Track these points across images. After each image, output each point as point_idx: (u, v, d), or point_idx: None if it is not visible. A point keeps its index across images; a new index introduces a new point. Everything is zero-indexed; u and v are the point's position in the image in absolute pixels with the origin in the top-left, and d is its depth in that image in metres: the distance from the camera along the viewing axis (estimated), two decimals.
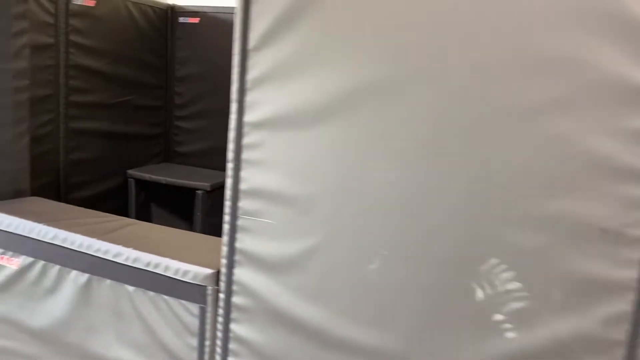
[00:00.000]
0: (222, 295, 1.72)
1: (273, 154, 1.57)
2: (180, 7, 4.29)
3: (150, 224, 2.33)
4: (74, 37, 3.42)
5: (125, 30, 3.86)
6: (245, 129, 1.59)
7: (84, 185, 3.71)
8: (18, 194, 2.32)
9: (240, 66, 1.57)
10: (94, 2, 3.55)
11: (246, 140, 1.60)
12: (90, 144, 3.71)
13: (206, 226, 3.93)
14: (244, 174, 1.63)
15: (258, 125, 1.57)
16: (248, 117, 1.59)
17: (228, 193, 1.69)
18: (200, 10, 4.24)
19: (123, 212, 4.00)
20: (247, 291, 1.67)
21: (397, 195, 1.43)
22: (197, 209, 3.90)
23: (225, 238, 1.71)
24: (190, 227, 4.45)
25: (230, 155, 1.65)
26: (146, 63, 4.13)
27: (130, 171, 4.03)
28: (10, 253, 2.04)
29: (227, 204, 1.68)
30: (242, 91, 1.58)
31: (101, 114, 3.76)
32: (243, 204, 1.66)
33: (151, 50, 4.19)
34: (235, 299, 1.70)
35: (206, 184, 3.88)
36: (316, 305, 1.56)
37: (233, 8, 1.60)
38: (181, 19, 4.29)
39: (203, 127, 4.39)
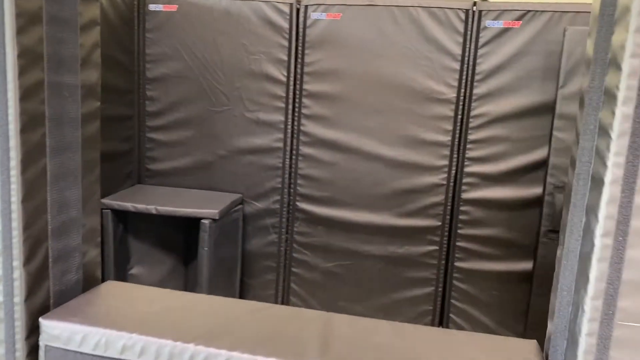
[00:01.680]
0: None
1: None
2: None
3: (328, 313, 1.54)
4: None
5: None
6: None
7: None
8: (91, 278, 1.52)
9: None
10: None
11: None
12: None
13: (213, 263, 3.18)
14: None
15: None
16: None
17: (597, 286, 1.01)
18: None
19: None
20: None
21: None
22: (204, 242, 3.13)
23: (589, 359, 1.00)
24: (188, 264, 3.66)
25: (607, 222, 0.94)
26: (112, 62, 3.25)
27: (104, 200, 3.14)
28: None
29: (594, 304, 0.99)
30: None
31: None
32: (625, 303, 0.99)
33: (118, 45, 3.31)
34: None
35: (213, 210, 3.12)
36: None
37: None
38: (152, 7, 3.45)
39: (184, 140, 3.58)
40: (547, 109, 3.03)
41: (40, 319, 1.35)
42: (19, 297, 1.32)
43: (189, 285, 3.63)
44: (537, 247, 3.01)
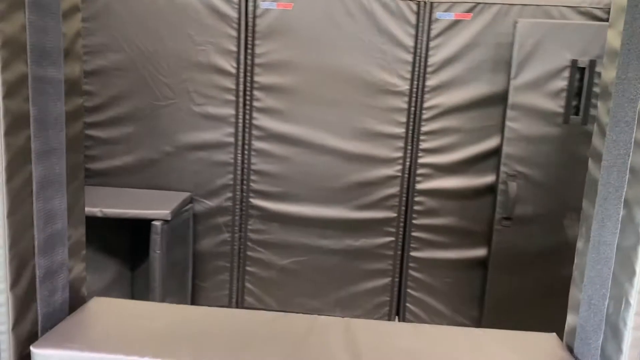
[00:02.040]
0: None
1: None
2: None
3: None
4: None
5: None
6: None
7: None
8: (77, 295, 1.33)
9: None
10: None
11: None
12: None
13: (165, 266, 3.01)
14: None
15: None
16: None
17: None
18: None
19: None
20: None
21: None
22: (155, 245, 2.95)
23: None
24: (135, 269, 3.44)
25: None
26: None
27: None
28: None
29: None
30: None
31: None
32: None
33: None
34: None
35: (164, 211, 2.95)
36: None
37: None
38: None
39: (126, 136, 3.36)
40: (497, 100, 3.12)
41: (32, 348, 1.18)
42: (5, 325, 1.15)
43: (138, 291, 3.43)
44: (491, 234, 3.10)
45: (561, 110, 2.90)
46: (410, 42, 3.17)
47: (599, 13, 2.99)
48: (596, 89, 2.85)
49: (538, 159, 2.95)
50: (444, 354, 1.21)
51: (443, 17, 3.11)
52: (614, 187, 1.05)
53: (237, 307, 3.57)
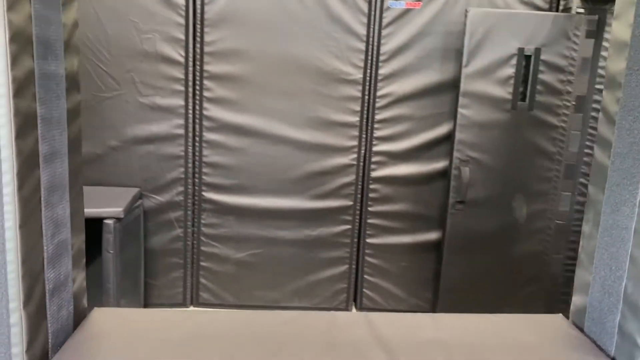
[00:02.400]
0: None
1: None
2: None
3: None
4: None
5: None
6: None
7: None
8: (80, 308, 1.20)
9: None
10: None
11: None
12: None
13: (119, 266, 2.87)
14: None
15: None
16: None
17: None
18: None
19: None
20: None
21: None
22: (108, 244, 2.80)
23: None
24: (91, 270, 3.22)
25: None
26: None
27: None
28: None
29: None
30: None
31: None
32: None
33: None
34: None
35: (117, 209, 2.80)
36: None
37: None
38: None
39: None
40: (447, 87, 3.21)
41: None
42: (19, 347, 1.03)
43: (89, 293, 3.23)
44: (445, 218, 3.20)
45: (509, 96, 3.03)
46: (362, 30, 3.18)
47: (540, 3, 3.14)
48: (541, 76, 3.00)
49: (488, 144, 3.08)
50: (472, 342, 1.23)
51: (395, 5, 3.15)
52: (630, 174, 1.12)
53: (192, 304, 3.47)
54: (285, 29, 3.16)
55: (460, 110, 3.04)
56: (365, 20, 3.17)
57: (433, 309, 3.45)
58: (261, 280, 3.47)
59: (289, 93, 3.24)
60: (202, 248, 3.41)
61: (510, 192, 3.14)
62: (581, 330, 1.32)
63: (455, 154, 3.09)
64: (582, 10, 2.98)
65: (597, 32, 3.01)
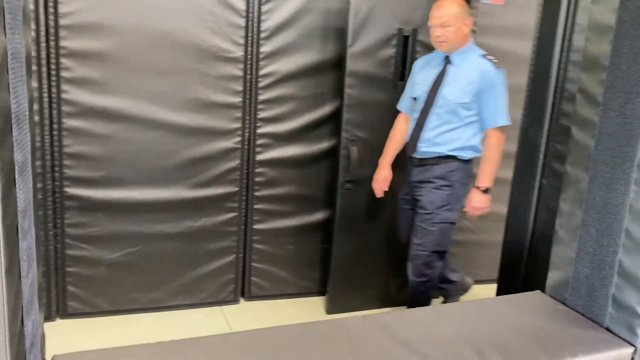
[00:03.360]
0: None
1: None
2: None
3: None
4: None
5: None
6: None
7: None
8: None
9: None
10: None
11: None
12: None
13: None
14: None
15: None
16: None
17: None
18: None
19: None
20: None
21: None
22: None
23: None
24: None
25: None
26: None
27: None
28: None
29: None
30: None
31: None
32: None
33: None
34: None
35: None
36: None
37: None
38: None
39: None
40: (329, 67, 3.18)
41: None
42: None
43: None
44: (334, 198, 3.21)
45: (391, 76, 3.10)
46: (242, 5, 2.99)
47: None
48: (419, 56, 3.12)
49: (373, 124, 3.13)
50: (484, 330, 1.22)
51: None
52: (623, 153, 1.18)
53: (59, 315, 3.02)
54: (157, 2, 2.83)
55: (346, 90, 3.04)
56: None
57: (323, 288, 3.46)
58: (139, 281, 3.15)
59: (162, 72, 2.93)
60: (68, 252, 2.97)
61: (393, 168, 3.24)
62: (563, 303, 1.40)
63: (343, 134, 3.09)
64: None
65: None
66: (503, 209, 2.86)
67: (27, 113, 0.88)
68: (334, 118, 3.24)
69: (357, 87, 3.05)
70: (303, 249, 3.42)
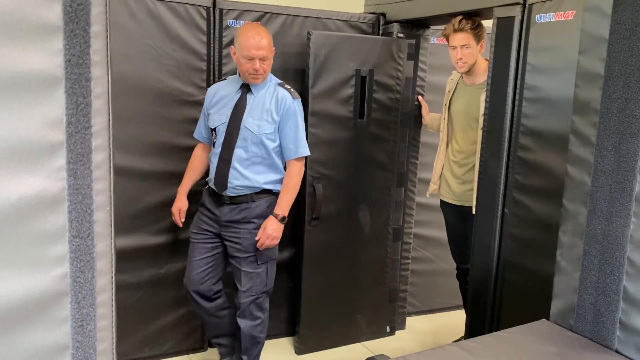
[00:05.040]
0: None
1: None
2: None
3: None
4: None
5: None
6: None
7: None
8: None
9: None
10: None
11: None
12: None
13: None
14: None
15: None
16: None
17: None
18: None
19: None
20: None
21: None
22: None
23: None
24: None
25: None
26: None
27: None
28: None
29: None
30: None
31: None
32: None
33: None
34: None
35: None
36: None
37: None
38: None
39: None
40: None
41: None
42: None
43: None
44: (300, 236, 3.23)
45: (351, 115, 3.20)
46: (203, 49, 3.00)
47: (365, 27, 3.39)
48: (375, 95, 3.24)
49: (336, 161, 3.20)
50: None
51: (234, 24, 3.05)
52: (620, 188, 1.30)
53: None
54: (116, 48, 2.77)
55: (310, 129, 3.10)
56: (204, 38, 3.00)
57: (293, 328, 3.44)
58: None
59: (122, 117, 2.86)
60: None
61: (356, 203, 3.32)
62: (570, 330, 1.49)
63: (309, 172, 3.13)
64: (401, 35, 3.32)
65: (415, 54, 3.39)
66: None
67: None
68: None
69: (319, 126, 3.12)
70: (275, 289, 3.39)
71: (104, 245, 1.08)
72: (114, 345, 0.96)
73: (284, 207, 2.70)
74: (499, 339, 1.49)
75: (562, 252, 1.55)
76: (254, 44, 2.54)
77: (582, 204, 1.44)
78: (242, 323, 2.78)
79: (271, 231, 2.67)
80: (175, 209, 2.88)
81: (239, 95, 2.71)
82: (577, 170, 1.48)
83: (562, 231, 1.55)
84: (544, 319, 1.63)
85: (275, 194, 2.75)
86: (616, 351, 1.40)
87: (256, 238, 2.69)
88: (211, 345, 3.30)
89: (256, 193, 2.70)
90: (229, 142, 2.66)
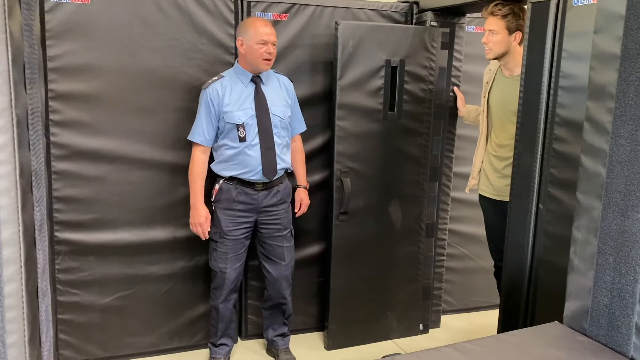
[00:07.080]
0: None
1: None
2: None
3: None
4: None
5: None
6: None
7: None
8: None
9: None
10: None
11: None
12: None
13: None
14: None
15: None
16: None
17: None
18: None
19: None
20: None
21: None
22: None
23: None
24: None
25: None
26: None
27: None
28: None
29: None
30: None
31: None
32: None
33: None
34: None
35: None
36: None
37: None
38: None
39: None
40: (319, 100, 3.19)
41: None
42: None
43: None
44: (329, 230, 3.18)
45: (380, 107, 3.12)
46: (230, 42, 3.00)
47: (397, 17, 3.30)
48: (406, 86, 3.14)
49: (365, 154, 3.13)
50: None
51: (262, 16, 3.02)
52: (638, 180, 1.18)
53: None
54: (145, 41, 2.83)
55: (337, 122, 3.04)
56: (232, 31, 2.99)
57: (321, 323, 3.40)
58: (133, 325, 3.06)
59: (152, 111, 2.91)
60: (59, 298, 2.89)
61: (387, 198, 3.24)
62: (583, 334, 1.38)
63: (336, 166, 3.08)
64: (435, 24, 3.20)
65: (449, 43, 3.26)
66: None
67: (44, 168, 0.85)
68: (326, 150, 3.23)
69: (347, 119, 3.06)
70: (299, 284, 3.36)
71: (10, 233, 1.00)
72: (27, 337, 0.92)
73: (305, 178, 3.11)
74: (502, 342, 1.40)
75: (575, 249, 1.43)
76: (266, 30, 2.74)
77: (596, 197, 1.32)
78: (287, 292, 3.03)
79: (307, 200, 3.10)
80: (202, 219, 2.82)
81: (252, 87, 2.81)
82: (592, 161, 1.35)
83: (575, 227, 1.43)
84: (556, 321, 1.52)
85: (288, 172, 3.01)
86: (632, 359, 1.27)
87: (295, 210, 3.07)
88: (240, 336, 3.32)
89: (285, 173, 2.98)
90: (266, 131, 2.79)
